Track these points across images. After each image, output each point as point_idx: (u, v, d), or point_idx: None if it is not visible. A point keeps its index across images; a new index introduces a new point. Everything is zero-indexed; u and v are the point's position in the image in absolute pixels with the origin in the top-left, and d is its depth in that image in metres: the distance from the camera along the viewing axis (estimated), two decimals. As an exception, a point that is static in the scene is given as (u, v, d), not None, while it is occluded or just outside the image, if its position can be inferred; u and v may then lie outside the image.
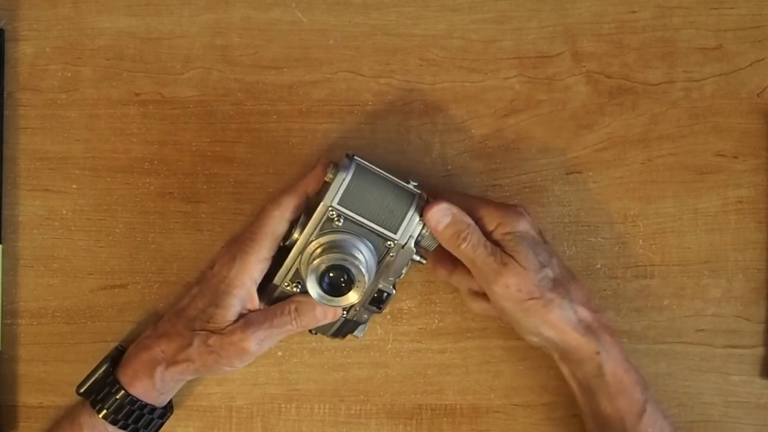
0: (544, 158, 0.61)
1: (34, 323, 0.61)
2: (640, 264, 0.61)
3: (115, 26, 0.61)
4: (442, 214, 0.53)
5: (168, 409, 0.58)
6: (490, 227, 0.54)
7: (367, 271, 0.51)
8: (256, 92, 0.61)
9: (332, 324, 0.57)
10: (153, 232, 0.61)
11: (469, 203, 0.55)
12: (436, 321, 0.61)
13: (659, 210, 0.61)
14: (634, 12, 0.61)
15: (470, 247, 0.53)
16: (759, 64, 0.61)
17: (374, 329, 0.61)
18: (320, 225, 0.53)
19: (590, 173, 0.61)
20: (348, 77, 0.61)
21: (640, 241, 0.61)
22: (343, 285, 0.51)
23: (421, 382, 0.61)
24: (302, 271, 0.54)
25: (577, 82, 0.61)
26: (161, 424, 0.58)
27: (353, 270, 0.51)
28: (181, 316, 0.56)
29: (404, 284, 0.61)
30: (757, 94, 0.61)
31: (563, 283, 0.54)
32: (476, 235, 0.53)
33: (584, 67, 0.61)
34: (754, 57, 0.61)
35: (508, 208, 0.55)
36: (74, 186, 0.61)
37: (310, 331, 0.57)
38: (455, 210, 0.53)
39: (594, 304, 0.55)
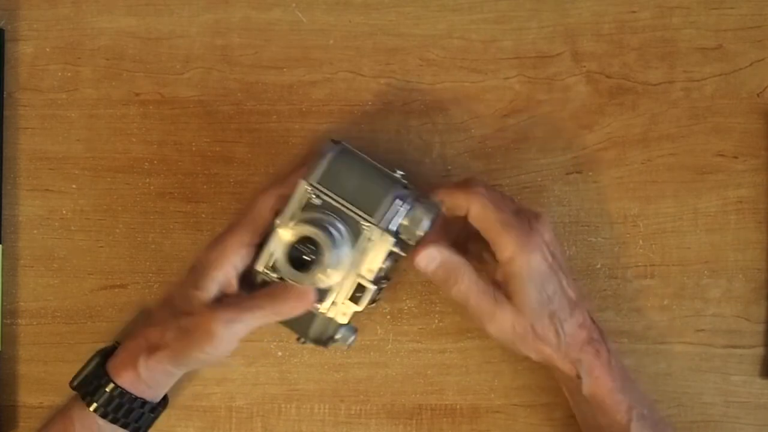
0: (544, 158, 0.61)
1: (34, 323, 0.61)
2: (640, 264, 0.61)
3: (115, 26, 0.61)
4: (429, 258, 0.52)
5: (160, 404, 0.57)
6: (502, 256, 0.52)
7: (337, 248, 0.50)
8: (256, 92, 0.61)
9: (310, 322, 0.54)
10: (153, 232, 0.61)
11: (488, 223, 0.52)
12: (436, 321, 0.61)
13: (659, 210, 0.61)
14: (634, 12, 0.61)
15: (462, 289, 0.53)
16: (759, 64, 0.61)
17: (374, 329, 0.61)
18: (298, 204, 0.52)
19: (590, 173, 0.61)
20: (348, 77, 0.61)
21: (640, 241, 0.61)
22: (311, 260, 0.50)
23: (421, 382, 0.61)
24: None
25: (577, 82, 0.61)
26: (153, 419, 0.57)
27: (322, 244, 0.50)
28: (168, 302, 0.56)
29: (405, 284, 0.61)
30: (757, 94, 0.61)
31: (560, 315, 0.53)
32: (467, 276, 0.52)
33: (584, 67, 0.61)
34: (754, 57, 0.61)
35: (525, 238, 0.51)
36: (74, 186, 0.61)
37: (298, 339, 0.55)
38: (444, 253, 0.52)
39: (588, 326, 0.54)
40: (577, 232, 0.61)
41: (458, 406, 0.61)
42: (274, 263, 0.53)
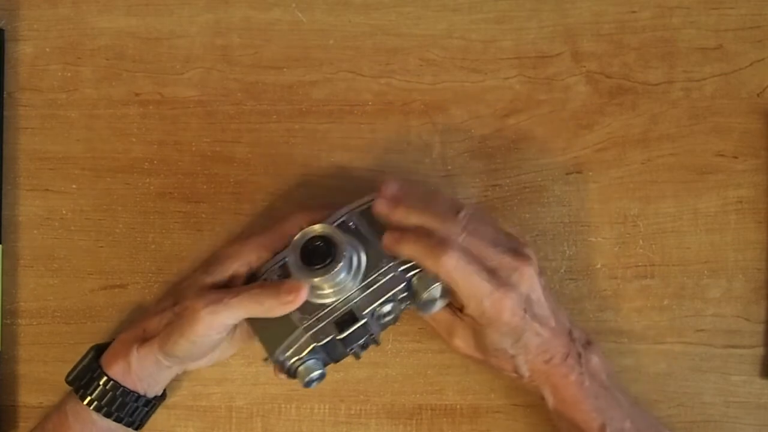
0: (544, 158, 0.61)
1: (34, 323, 0.61)
2: (640, 264, 0.61)
3: (115, 26, 0.61)
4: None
5: (156, 399, 0.57)
6: (467, 312, 0.52)
7: (349, 269, 0.51)
8: (256, 92, 0.61)
9: (284, 336, 0.52)
10: (153, 232, 0.61)
11: (456, 287, 0.50)
12: (436, 321, 0.61)
13: (659, 210, 0.61)
14: (634, 12, 0.61)
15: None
16: (759, 64, 0.61)
17: (374, 329, 0.61)
18: (334, 223, 0.53)
19: (590, 173, 0.61)
20: (348, 77, 0.61)
21: (640, 241, 0.61)
22: (321, 258, 0.50)
23: (421, 382, 0.61)
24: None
25: (577, 82, 0.61)
26: (148, 414, 0.57)
27: (339, 247, 0.50)
28: (172, 292, 0.56)
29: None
30: (757, 94, 0.61)
31: (520, 358, 0.52)
32: None
33: (584, 67, 0.61)
34: (754, 57, 0.61)
35: (491, 306, 0.50)
36: (74, 186, 0.61)
37: (265, 360, 0.53)
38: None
39: (562, 352, 0.52)
40: (577, 232, 0.61)
41: (458, 406, 0.61)
42: (285, 256, 0.53)
